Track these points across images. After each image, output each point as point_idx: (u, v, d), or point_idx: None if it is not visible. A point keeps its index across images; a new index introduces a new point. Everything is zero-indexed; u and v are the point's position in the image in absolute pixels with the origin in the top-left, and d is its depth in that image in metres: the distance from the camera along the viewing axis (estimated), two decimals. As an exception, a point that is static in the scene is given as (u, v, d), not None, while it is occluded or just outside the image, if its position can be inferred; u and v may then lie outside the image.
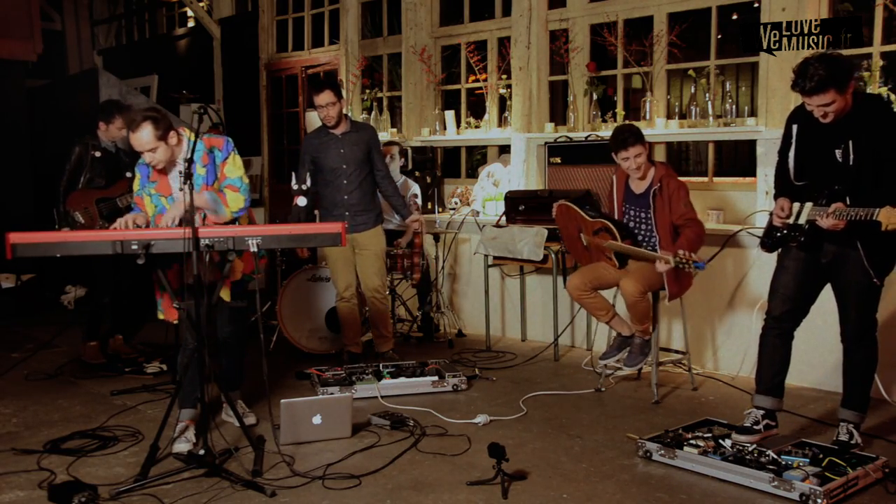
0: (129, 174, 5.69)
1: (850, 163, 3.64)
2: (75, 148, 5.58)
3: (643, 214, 4.76)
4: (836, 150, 3.67)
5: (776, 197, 3.95)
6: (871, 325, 3.82)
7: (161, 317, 4.21)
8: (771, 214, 3.95)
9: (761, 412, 3.92)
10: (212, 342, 3.74)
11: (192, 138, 3.76)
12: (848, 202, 3.61)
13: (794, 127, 3.87)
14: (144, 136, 3.82)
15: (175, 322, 4.21)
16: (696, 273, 4.41)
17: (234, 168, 4.06)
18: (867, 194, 3.58)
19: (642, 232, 4.79)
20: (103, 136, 5.62)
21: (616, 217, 4.87)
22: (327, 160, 5.37)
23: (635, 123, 5.29)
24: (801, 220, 3.75)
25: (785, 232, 3.83)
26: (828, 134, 3.69)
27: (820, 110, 3.64)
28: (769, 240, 3.94)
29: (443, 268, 6.67)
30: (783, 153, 3.93)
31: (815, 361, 4.85)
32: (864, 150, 3.61)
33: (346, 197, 5.39)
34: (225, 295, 4.04)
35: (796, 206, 3.80)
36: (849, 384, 3.90)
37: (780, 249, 3.93)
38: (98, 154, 5.60)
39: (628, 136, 4.63)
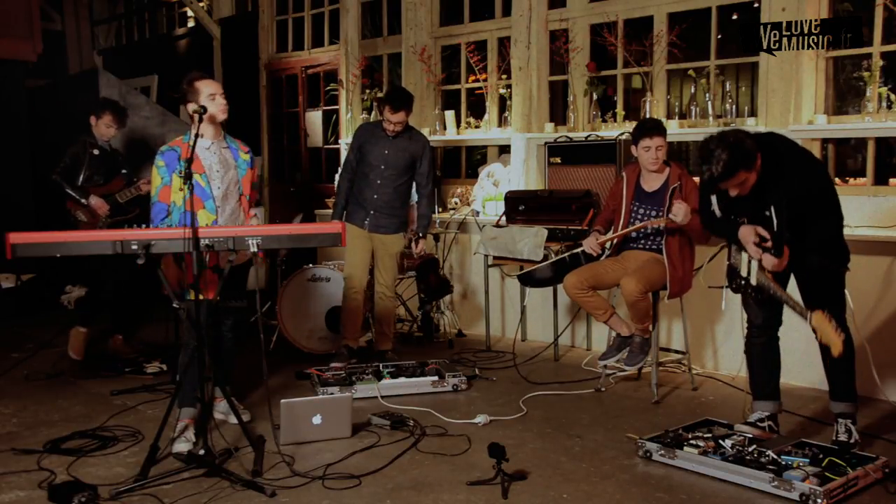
0: (124, 171, 5.74)
1: (775, 227, 3.63)
2: (73, 145, 5.60)
3: (654, 213, 4.76)
4: (764, 211, 3.67)
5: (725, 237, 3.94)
6: (841, 311, 3.74)
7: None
8: (730, 257, 3.91)
9: (766, 413, 3.94)
10: (212, 342, 3.73)
11: (192, 140, 3.76)
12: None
13: (713, 198, 3.83)
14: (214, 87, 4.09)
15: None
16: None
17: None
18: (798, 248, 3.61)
19: (647, 230, 4.79)
20: (95, 132, 5.64)
21: (623, 215, 4.85)
22: (370, 154, 5.43)
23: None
24: (753, 281, 3.74)
25: (741, 284, 3.83)
26: (747, 199, 3.68)
27: (734, 190, 3.62)
28: (733, 284, 3.92)
29: (442, 268, 6.66)
30: (706, 208, 3.91)
31: (813, 361, 4.80)
32: (785, 210, 3.59)
33: (375, 196, 5.42)
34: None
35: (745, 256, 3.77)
36: (832, 375, 3.88)
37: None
38: (96, 152, 5.63)
39: (653, 126, 4.74)
